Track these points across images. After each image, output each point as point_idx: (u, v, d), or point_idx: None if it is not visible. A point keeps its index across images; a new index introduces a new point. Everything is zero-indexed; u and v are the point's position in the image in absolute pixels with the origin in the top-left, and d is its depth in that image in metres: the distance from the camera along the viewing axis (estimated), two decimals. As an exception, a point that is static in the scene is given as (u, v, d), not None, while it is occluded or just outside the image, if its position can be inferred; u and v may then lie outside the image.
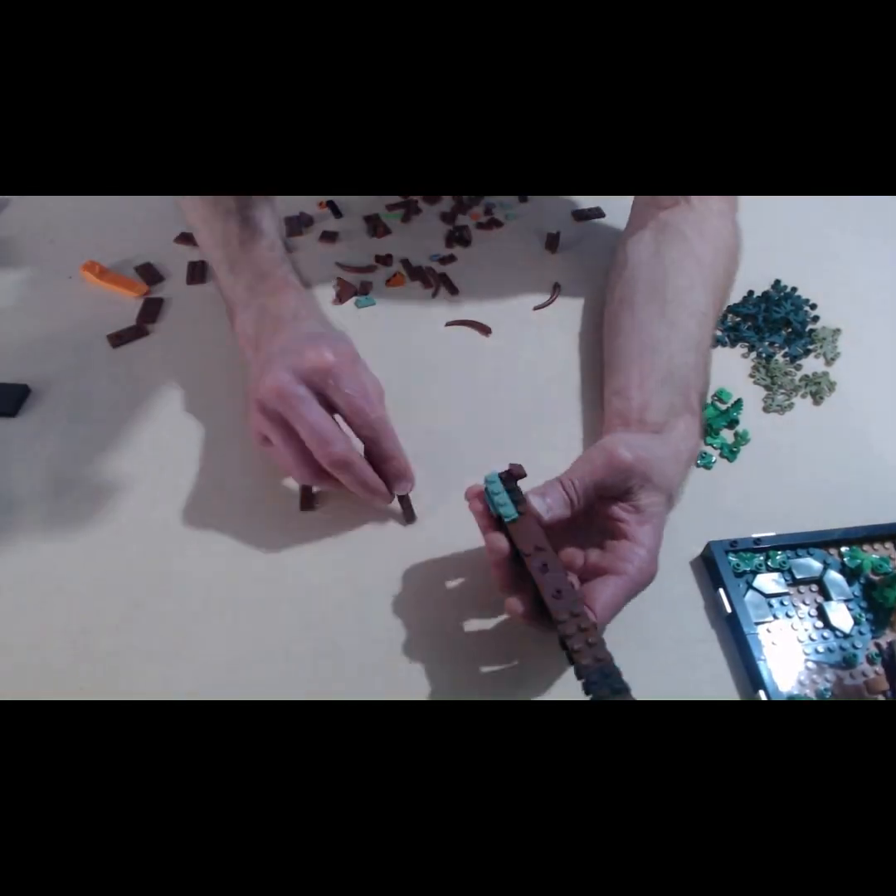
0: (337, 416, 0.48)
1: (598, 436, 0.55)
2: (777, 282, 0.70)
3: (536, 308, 0.67)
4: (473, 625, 0.48)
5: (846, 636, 0.47)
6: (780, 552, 0.50)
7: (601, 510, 0.45)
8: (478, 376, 0.62)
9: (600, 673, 0.37)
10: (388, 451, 0.49)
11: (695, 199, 0.61)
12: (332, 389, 0.47)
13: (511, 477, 0.44)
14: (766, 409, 0.61)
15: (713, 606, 0.49)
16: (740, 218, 0.76)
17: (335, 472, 0.47)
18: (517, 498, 0.42)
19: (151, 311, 0.66)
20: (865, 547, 0.51)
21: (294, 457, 0.47)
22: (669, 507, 0.48)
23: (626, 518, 0.45)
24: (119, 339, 0.64)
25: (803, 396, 0.62)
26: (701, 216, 0.61)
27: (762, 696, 0.44)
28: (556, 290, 0.68)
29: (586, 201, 0.77)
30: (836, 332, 0.66)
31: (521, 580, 0.42)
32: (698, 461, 0.57)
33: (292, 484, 0.55)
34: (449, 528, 0.52)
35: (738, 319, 0.67)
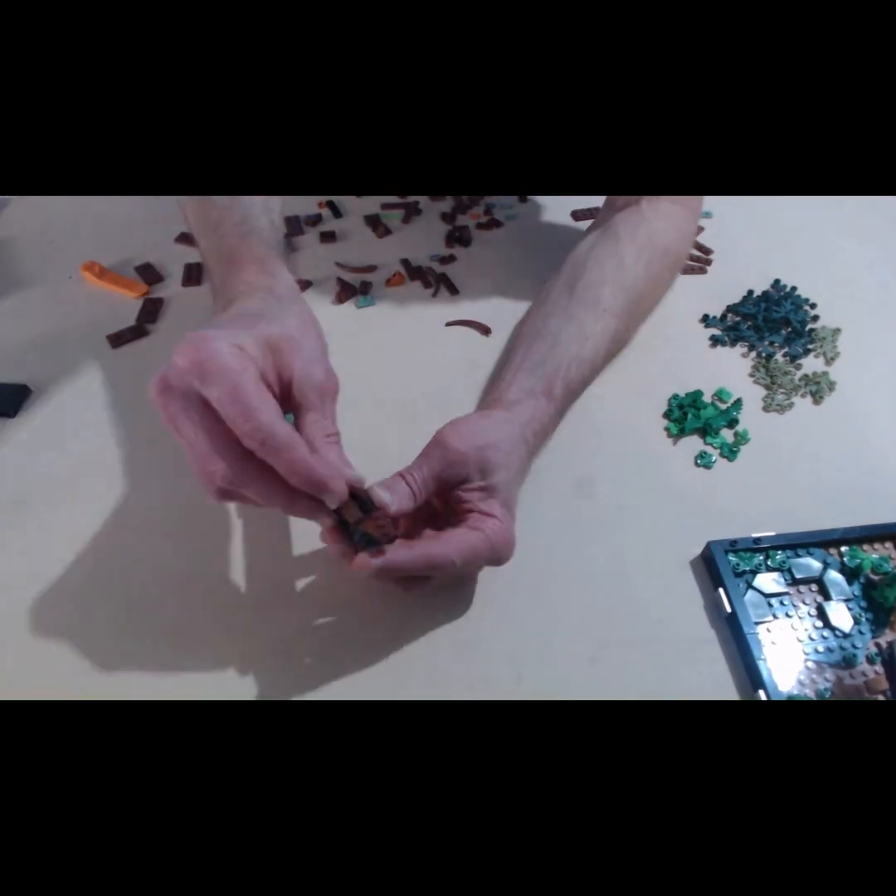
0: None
1: (603, 432, 0.55)
2: (777, 281, 0.70)
3: (536, 308, 0.67)
4: (473, 624, 0.48)
5: (846, 636, 0.47)
6: (779, 552, 0.50)
7: (451, 496, 0.46)
8: (478, 376, 0.62)
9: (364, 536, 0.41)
10: (288, 465, 0.36)
11: (644, 200, 0.62)
12: (205, 393, 0.36)
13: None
14: (766, 409, 0.61)
15: (713, 606, 0.49)
16: (740, 217, 0.76)
17: (235, 494, 0.37)
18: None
19: (151, 311, 0.66)
20: (865, 546, 0.51)
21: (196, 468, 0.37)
22: (519, 482, 0.49)
23: (470, 498, 0.45)
24: (119, 339, 0.64)
25: (803, 396, 0.62)
26: (642, 217, 0.61)
27: (762, 695, 0.44)
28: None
29: (585, 201, 0.77)
30: (836, 331, 0.66)
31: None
32: (698, 461, 0.57)
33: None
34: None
35: (738, 319, 0.67)
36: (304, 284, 0.68)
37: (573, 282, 0.58)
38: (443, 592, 0.49)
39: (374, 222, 0.74)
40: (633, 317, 0.61)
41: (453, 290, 0.69)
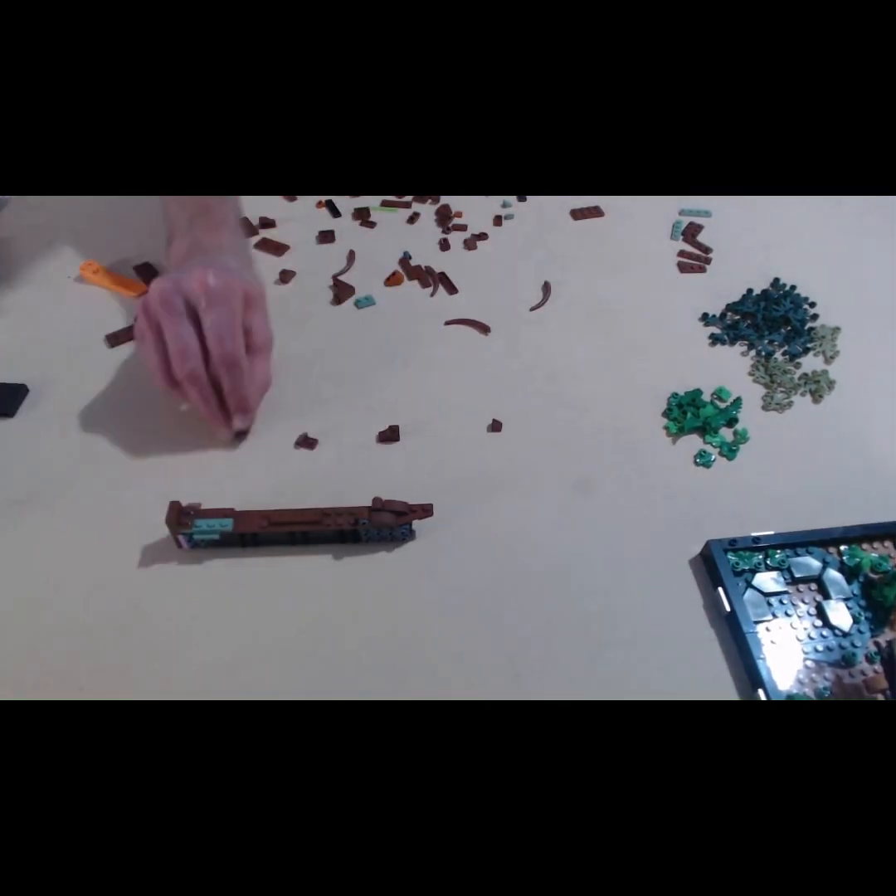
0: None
1: (603, 432, 0.55)
2: (776, 280, 0.69)
3: (532, 309, 0.67)
4: (473, 624, 0.48)
5: (845, 635, 0.47)
6: (779, 551, 0.50)
7: None
8: (477, 375, 0.62)
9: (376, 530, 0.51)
10: (232, 385, 0.53)
11: None
12: (202, 311, 0.51)
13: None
14: (766, 408, 0.61)
15: (712, 605, 0.49)
16: (740, 216, 0.76)
17: (186, 386, 0.52)
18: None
19: (150, 310, 0.66)
20: (864, 545, 0.51)
21: (158, 361, 0.52)
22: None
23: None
24: (117, 338, 0.64)
25: (802, 395, 0.62)
26: None
27: (761, 695, 0.44)
28: (547, 288, 0.68)
29: (585, 201, 0.77)
30: (836, 330, 0.66)
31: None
32: (697, 460, 0.57)
33: (290, 478, 0.55)
34: (447, 528, 0.52)
35: (738, 317, 0.67)
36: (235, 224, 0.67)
37: None
38: (443, 591, 0.49)
39: (372, 222, 0.74)
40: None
41: (452, 290, 0.69)
